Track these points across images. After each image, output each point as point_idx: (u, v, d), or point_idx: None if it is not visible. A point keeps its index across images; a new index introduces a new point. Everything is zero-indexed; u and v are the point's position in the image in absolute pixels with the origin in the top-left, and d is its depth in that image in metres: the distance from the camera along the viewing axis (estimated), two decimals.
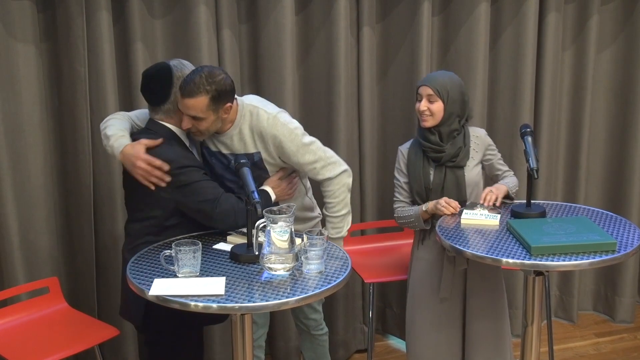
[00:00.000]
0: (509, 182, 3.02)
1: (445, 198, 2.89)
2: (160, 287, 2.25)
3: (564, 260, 2.43)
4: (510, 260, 2.45)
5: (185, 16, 3.31)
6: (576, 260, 2.44)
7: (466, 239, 2.65)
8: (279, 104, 3.33)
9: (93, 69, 3.19)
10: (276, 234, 2.31)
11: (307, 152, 2.81)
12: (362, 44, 3.67)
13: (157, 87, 2.72)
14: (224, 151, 2.85)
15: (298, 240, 2.45)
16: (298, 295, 2.20)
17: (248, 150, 2.83)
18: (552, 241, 2.50)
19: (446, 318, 2.99)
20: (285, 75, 3.47)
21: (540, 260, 2.44)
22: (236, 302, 2.16)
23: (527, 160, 2.78)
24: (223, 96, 2.67)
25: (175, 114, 2.73)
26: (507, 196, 2.98)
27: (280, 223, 2.32)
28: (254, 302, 2.16)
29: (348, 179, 2.90)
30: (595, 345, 4.02)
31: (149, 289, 2.25)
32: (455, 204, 2.86)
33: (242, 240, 2.63)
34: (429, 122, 2.93)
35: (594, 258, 2.45)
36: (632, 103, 4.11)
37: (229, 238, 2.68)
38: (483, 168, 3.06)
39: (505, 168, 3.09)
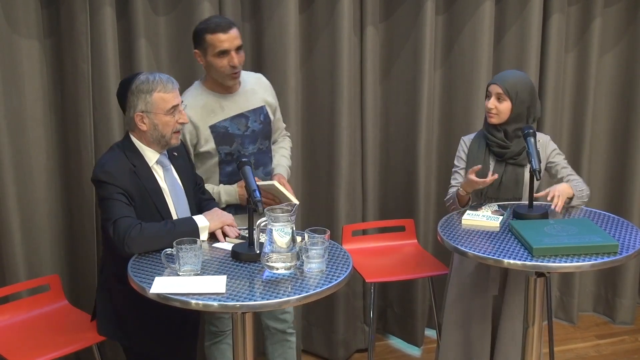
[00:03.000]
0: (577, 185, 3.00)
1: (473, 171, 2.91)
2: (161, 285, 2.25)
3: (565, 262, 2.43)
4: (512, 261, 2.45)
5: (189, 13, 3.31)
6: (578, 261, 2.43)
7: (469, 240, 2.65)
8: (282, 102, 3.34)
9: (96, 66, 3.19)
10: (277, 233, 2.31)
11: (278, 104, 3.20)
12: (366, 43, 3.67)
13: (119, 95, 2.71)
14: (238, 112, 2.98)
15: (299, 239, 2.45)
16: (299, 294, 2.20)
17: (258, 104, 3.04)
18: (553, 242, 2.49)
19: (483, 313, 3.00)
20: (288, 73, 3.47)
21: (542, 262, 2.44)
22: (237, 301, 2.16)
23: (530, 161, 2.78)
24: None
25: (137, 126, 2.64)
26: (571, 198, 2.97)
27: (281, 222, 2.31)
28: (255, 300, 2.16)
29: None
30: (596, 347, 4.02)
31: (150, 287, 2.24)
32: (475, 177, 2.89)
33: (241, 239, 2.63)
34: (495, 120, 2.97)
35: (595, 260, 2.44)
36: (634, 105, 4.11)
37: (227, 238, 2.68)
38: (547, 170, 3.07)
39: (570, 172, 3.07)
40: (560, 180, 3.05)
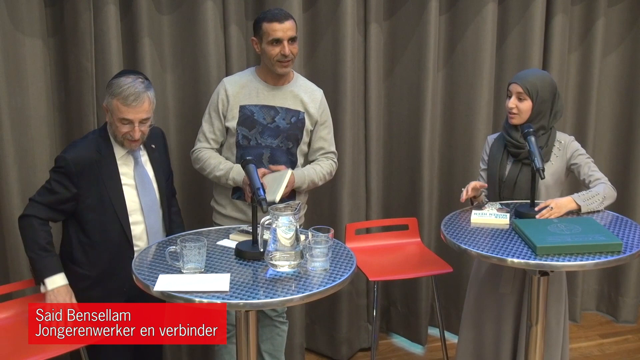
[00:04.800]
0: (593, 192, 2.89)
1: (474, 182, 2.92)
2: (165, 283, 2.25)
3: (569, 261, 2.43)
4: (515, 260, 2.45)
5: (193, 12, 3.31)
6: (581, 260, 2.43)
7: (472, 238, 2.65)
8: None
9: (100, 64, 3.19)
10: (281, 232, 2.31)
11: (329, 127, 3.24)
12: (369, 42, 3.67)
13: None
14: (271, 104, 3.06)
15: (303, 238, 2.45)
16: (302, 293, 2.20)
17: (294, 106, 3.10)
18: (557, 241, 2.49)
19: (500, 311, 3.00)
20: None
21: (546, 260, 2.43)
22: (241, 299, 2.16)
23: (533, 161, 2.77)
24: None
25: (110, 119, 2.74)
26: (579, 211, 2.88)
27: (285, 220, 2.31)
28: (258, 299, 2.16)
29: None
30: (600, 346, 4.02)
31: (154, 285, 2.25)
32: (473, 185, 2.88)
33: (244, 237, 2.63)
34: (516, 120, 2.95)
35: (599, 259, 2.44)
36: (637, 104, 4.11)
37: (231, 236, 2.69)
38: (572, 172, 3.03)
39: (597, 175, 2.94)
40: (584, 182, 2.97)
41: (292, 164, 3.11)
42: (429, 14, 3.62)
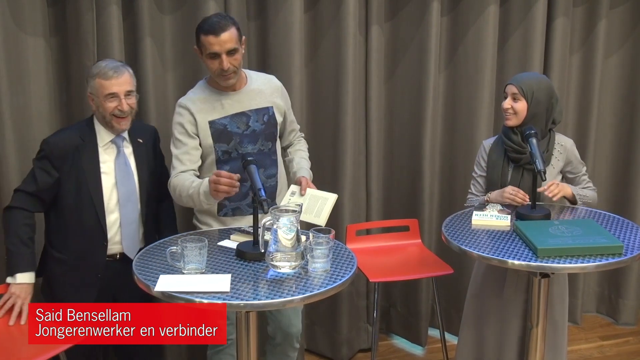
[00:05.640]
0: (585, 191, 3.03)
1: (511, 187, 2.92)
2: (166, 283, 2.25)
3: (570, 263, 2.43)
4: (516, 262, 2.45)
5: (195, 12, 3.31)
6: (582, 262, 2.43)
7: (473, 240, 2.65)
8: None
9: None
10: (282, 232, 2.31)
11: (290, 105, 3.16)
12: (371, 43, 3.67)
13: None
14: (240, 110, 2.94)
15: (304, 239, 2.45)
16: (303, 294, 2.20)
17: (262, 104, 2.99)
18: (558, 243, 2.49)
19: (503, 313, 3.00)
20: (293, 73, 3.47)
21: (547, 262, 2.43)
22: (241, 300, 2.16)
23: (534, 162, 2.77)
24: (240, 29, 2.87)
25: (97, 103, 2.82)
26: (572, 201, 3.00)
27: (286, 221, 2.32)
28: (259, 299, 2.16)
29: None
30: (600, 348, 4.01)
31: (155, 285, 2.25)
32: (522, 193, 2.89)
33: (245, 238, 2.63)
34: (512, 121, 2.96)
35: (600, 261, 2.44)
36: (638, 107, 4.10)
37: (232, 237, 2.69)
38: (564, 178, 3.06)
39: (588, 185, 3.07)
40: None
41: (275, 165, 3.05)
42: (430, 16, 3.62)
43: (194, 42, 3.34)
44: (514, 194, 2.90)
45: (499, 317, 3.02)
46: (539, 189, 2.87)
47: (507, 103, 2.97)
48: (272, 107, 3.02)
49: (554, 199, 2.90)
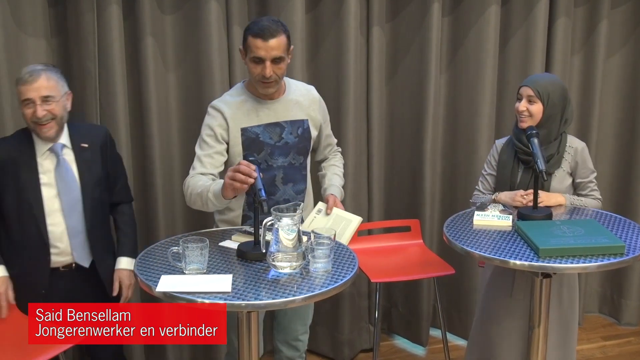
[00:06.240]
0: (583, 200, 3.01)
1: (522, 191, 2.91)
2: (167, 284, 2.25)
3: (572, 263, 2.43)
4: (518, 262, 2.45)
5: (196, 12, 3.32)
6: (584, 262, 2.43)
7: (475, 240, 2.64)
8: None
9: (103, 65, 3.20)
10: (283, 233, 2.31)
11: (328, 119, 3.07)
12: (372, 44, 3.67)
13: None
14: (275, 120, 2.83)
15: (305, 239, 2.45)
16: (304, 294, 2.20)
17: (298, 116, 2.87)
18: (560, 243, 2.49)
19: (514, 313, 2.99)
20: (294, 73, 3.47)
21: (548, 262, 2.43)
22: (243, 300, 2.16)
23: (536, 162, 2.77)
24: (290, 37, 2.76)
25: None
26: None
27: (287, 221, 2.31)
28: (260, 299, 2.16)
29: None
30: (602, 349, 4.01)
31: (156, 286, 2.25)
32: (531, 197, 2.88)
33: (247, 238, 2.63)
34: (527, 123, 2.94)
35: (602, 261, 2.44)
36: None
37: (233, 237, 2.68)
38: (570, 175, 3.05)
39: (593, 193, 3.05)
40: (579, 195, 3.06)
41: (304, 180, 2.95)
42: (431, 16, 3.62)
43: (195, 42, 3.36)
44: (523, 197, 2.89)
45: (509, 319, 3.01)
46: (518, 198, 2.89)
47: (523, 105, 2.93)
48: (307, 120, 2.91)
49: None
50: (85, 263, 2.82)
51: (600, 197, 3.07)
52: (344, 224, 2.84)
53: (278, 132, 2.84)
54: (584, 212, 2.95)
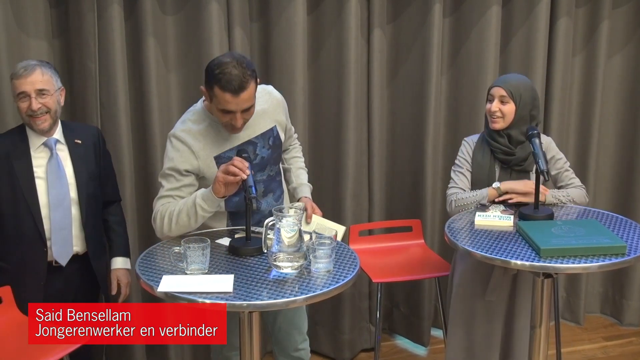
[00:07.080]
0: (563, 192, 3.02)
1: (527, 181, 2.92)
2: (169, 284, 2.25)
3: (573, 263, 2.42)
4: (519, 262, 2.45)
5: (197, 13, 3.32)
6: (585, 262, 2.43)
7: (476, 240, 2.64)
8: (290, 103, 3.33)
9: (104, 65, 3.20)
10: (285, 233, 2.31)
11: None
12: (373, 45, 3.67)
13: None
14: (246, 139, 2.70)
15: (306, 239, 2.45)
16: (306, 294, 2.20)
17: (267, 126, 2.76)
18: (561, 244, 2.49)
19: (489, 314, 3.00)
20: (296, 74, 3.47)
21: (550, 263, 2.43)
22: (244, 300, 2.16)
23: (537, 162, 2.77)
24: (257, 76, 2.59)
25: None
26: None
27: (289, 221, 2.31)
28: (262, 300, 2.16)
29: None
30: (604, 349, 4.01)
31: (158, 286, 2.25)
32: (543, 187, 2.87)
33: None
34: (499, 124, 2.94)
35: (603, 261, 2.44)
36: None
37: (236, 236, 2.68)
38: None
39: (573, 180, 3.06)
40: (561, 187, 3.08)
41: (281, 185, 2.89)
42: (432, 17, 3.62)
43: (197, 42, 3.35)
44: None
45: (485, 319, 3.01)
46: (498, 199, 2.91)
47: (495, 106, 2.93)
48: (275, 126, 2.80)
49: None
50: (63, 261, 2.81)
51: (581, 184, 3.08)
52: (327, 233, 2.67)
53: (252, 150, 2.71)
54: (585, 212, 2.95)
